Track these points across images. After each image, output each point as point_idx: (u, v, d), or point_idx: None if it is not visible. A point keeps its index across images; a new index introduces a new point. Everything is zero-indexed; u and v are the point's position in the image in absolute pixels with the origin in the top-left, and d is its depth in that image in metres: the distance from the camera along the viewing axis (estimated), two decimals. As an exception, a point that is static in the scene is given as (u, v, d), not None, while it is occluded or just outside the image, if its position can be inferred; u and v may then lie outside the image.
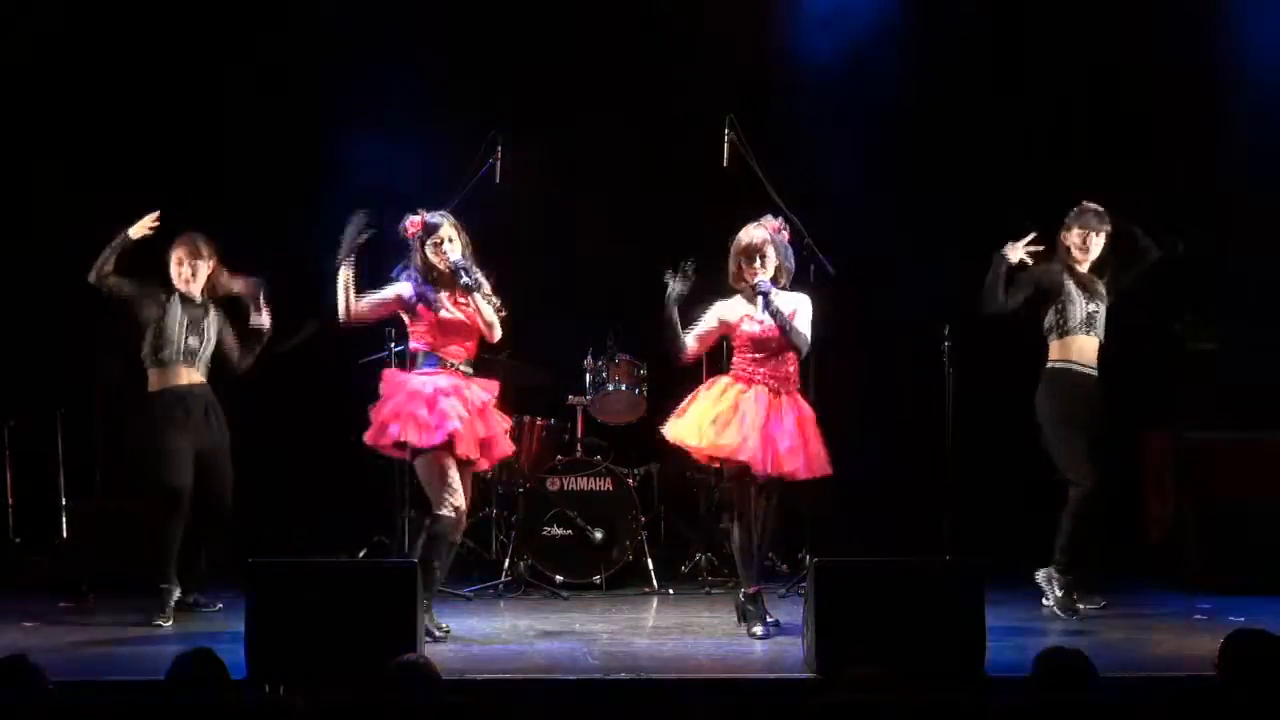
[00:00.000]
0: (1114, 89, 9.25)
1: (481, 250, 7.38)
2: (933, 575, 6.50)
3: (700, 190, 8.49)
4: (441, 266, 7.09)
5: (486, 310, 7.10)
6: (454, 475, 6.99)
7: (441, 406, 6.97)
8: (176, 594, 7.56)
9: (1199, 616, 7.65)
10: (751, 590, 7.17)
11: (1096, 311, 7.75)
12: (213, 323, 7.76)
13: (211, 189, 8.97)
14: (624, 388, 8.62)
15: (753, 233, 7.17)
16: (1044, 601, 7.69)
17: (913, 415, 9.03)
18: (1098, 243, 7.75)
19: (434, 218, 7.13)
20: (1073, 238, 7.75)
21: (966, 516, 7.85)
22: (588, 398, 8.67)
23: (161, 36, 9.01)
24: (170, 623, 7.42)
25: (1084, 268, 7.76)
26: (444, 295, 7.11)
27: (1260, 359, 8.77)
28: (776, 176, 7.90)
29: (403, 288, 7.14)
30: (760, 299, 7.08)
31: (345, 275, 7.00)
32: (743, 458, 7.04)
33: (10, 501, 8.88)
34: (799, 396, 7.25)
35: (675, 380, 7.66)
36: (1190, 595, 8.03)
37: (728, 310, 7.23)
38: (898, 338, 8.91)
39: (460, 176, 8.03)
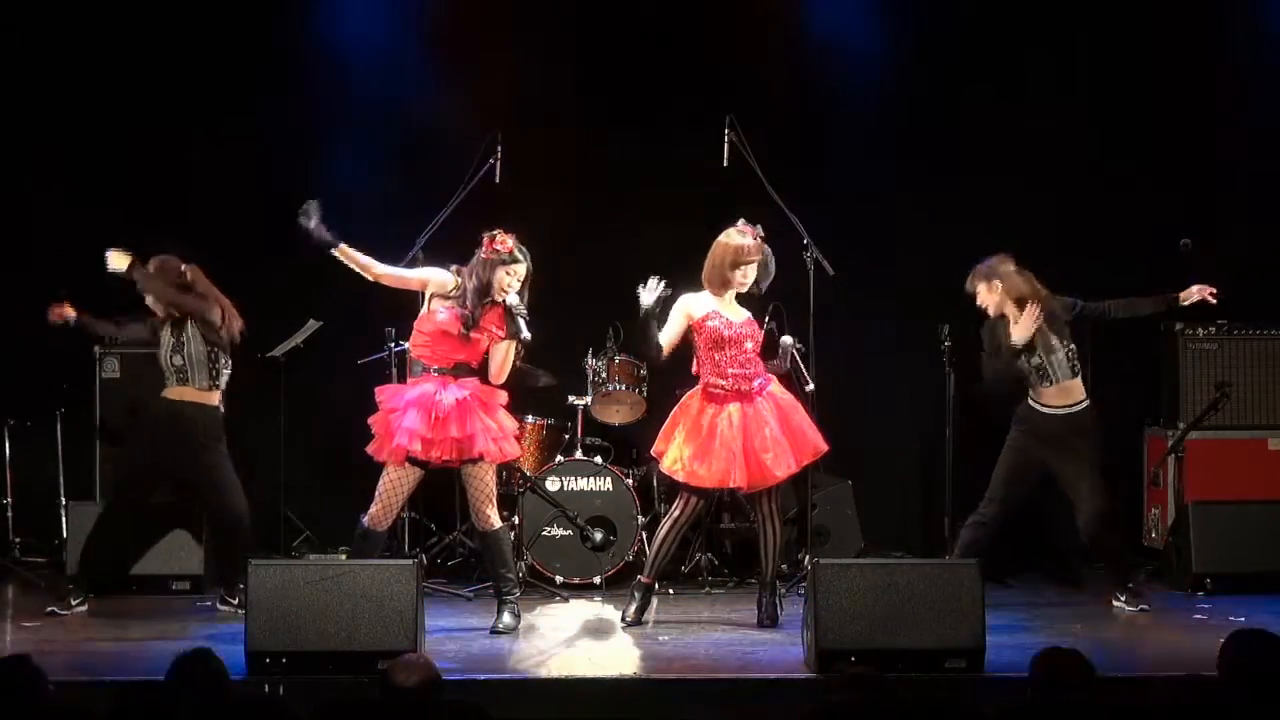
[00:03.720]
0: (1114, 89, 9.24)
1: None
2: (933, 575, 6.50)
3: (700, 190, 8.49)
4: (498, 297, 7.01)
5: (508, 358, 7.10)
6: (384, 483, 7.07)
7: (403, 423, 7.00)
8: (83, 596, 7.67)
9: (1199, 616, 7.65)
10: (646, 580, 7.42)
11: (1051, 356, 7.58)
12: (191, 332, 7.64)
13: (212, 193, 9.00)
14: (624, 388, 8.61)
15: (746, 241, 7.18)
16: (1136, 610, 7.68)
17: (912, 415, 9.03)
18: (990, 297, 7.61)
19: (521, 252, 7.02)
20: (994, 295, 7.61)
21: (966, 516, 7.82)
22: (588, 398, 8.66)
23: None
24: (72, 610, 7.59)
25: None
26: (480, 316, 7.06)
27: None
28: (776, 176, 7.90)
29: (438, 276, 7.06)
30: (793, 354, 7.30)
31: (343, 254, 6.92)
32: (732, 485, 7.24)
33: (10, 501, 8.88)
34: (768, 387, 7.28)
35: (676, 380, 7.66)
36: (1190, 595, 8.04)
37: (694, 305, 7.26)
38: (897, 337, 8.90)
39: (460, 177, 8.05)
